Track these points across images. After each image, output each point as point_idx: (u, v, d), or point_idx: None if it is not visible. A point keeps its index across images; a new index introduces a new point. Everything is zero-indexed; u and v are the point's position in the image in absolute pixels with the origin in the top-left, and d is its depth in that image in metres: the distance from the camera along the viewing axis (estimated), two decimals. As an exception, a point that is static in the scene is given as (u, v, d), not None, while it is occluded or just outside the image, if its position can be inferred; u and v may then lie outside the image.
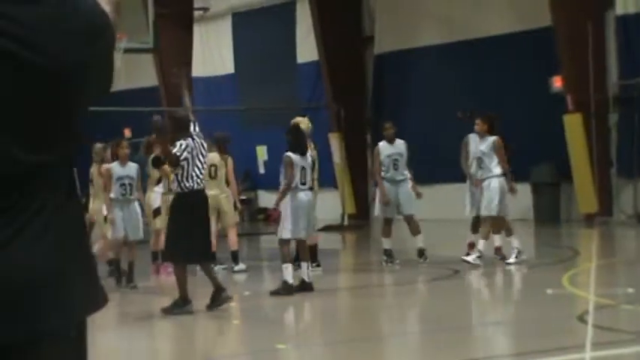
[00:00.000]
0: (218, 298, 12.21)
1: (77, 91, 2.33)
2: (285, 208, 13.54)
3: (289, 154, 13.65)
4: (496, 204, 15.51)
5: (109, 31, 2.39)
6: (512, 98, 23.62)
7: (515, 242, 15.56)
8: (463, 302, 13.65)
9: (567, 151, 22.75)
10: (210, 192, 16.17)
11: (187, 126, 12.36)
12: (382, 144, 16.72)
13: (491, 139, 15.72)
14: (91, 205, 16.39)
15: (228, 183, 16.53)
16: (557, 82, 22.79)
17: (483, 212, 15.65)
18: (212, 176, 16.22)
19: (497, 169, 15.62)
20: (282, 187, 13.72)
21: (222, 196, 16.26)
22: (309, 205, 13.63)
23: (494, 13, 24.81)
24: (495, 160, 15.64)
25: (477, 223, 16.21)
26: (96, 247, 15.78)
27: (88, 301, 2.39)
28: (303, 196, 13.52)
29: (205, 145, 12.63)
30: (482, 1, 25.09)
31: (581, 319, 10.61)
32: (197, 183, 12.20)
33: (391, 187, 16.39)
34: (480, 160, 15.81)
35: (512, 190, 15.61)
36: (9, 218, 2.28)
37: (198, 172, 12.22)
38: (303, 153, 13.70)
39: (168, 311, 12.13)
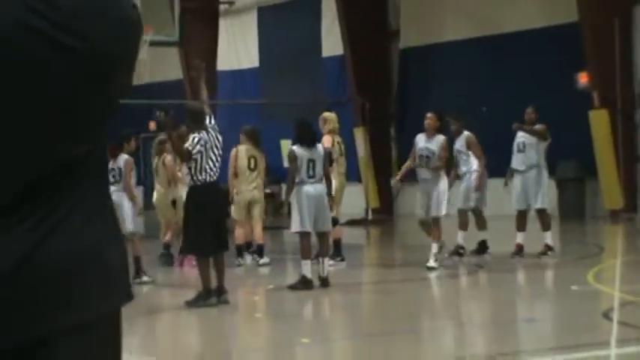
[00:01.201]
0: (208, 298, 12.16)
1: (112, 83, 2.35)
2: (293, 201, 13.57)
3: (293, 147, 13.66)
4: (445, 204, 14.91)
5: (140, 25, 2.42)
6: (537, 94, 23.47)
7: (434, 248, 15.04)
8: (487, 298, 13.62)
9: (593, 147, 22.65)
10: (248, 184, 16.24)
11: (202, 119, 12.35)
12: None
13: (441, 138, 15.00)
14: (155, 196, 16.65)
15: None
16: (583, 78, 22.69)
17: (433, 213, 14.98)
18: (252, 168, 16.27)
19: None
20: (287, 182, 13.72)
21: (257, 188, 16.33)
22: (318, 198, 13.52)
23: (520, 8, 24.72)
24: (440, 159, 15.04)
25: (522, 218, 16.16)
26: (168, 236, 16.05)
27: (125, 291, 2.45)
28: (311, 189, 13.45)
29: (220, 138, 12.58)
30: (509, -5, 25.02)
31: (606, 315, 10.56)
32: (210, 175, 12.19)
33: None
34: (426, 160, 14.96)
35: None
36: (49, 211, 2.30)
37: (211, 165, 12.21)
38: (309, 145, 13.65)
39: (192, 304, 12.15)
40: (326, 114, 16.53)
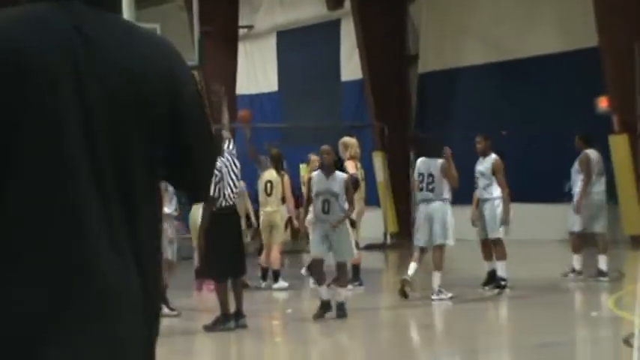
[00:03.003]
0: (226, 322, 12.11)
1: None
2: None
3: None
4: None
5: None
6: (557, 118, 23.46)
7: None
8: (507, 323, 13.56)
9: (613, 172, 22.54)
10: (266, 208, 16.33)
11: (218, 144, 12.37)
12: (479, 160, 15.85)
13: (442, 162, 14.54)
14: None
15: (284, 200, 16.62)
16: (603, 103, 22.60)
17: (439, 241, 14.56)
18: (268, 193, 16.32)
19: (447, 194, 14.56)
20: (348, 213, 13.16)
21: (276, 213, 16.32)
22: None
23: (539, 32, 24.68)
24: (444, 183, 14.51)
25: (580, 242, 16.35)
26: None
27: None
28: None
29: (238, 163, 12.55)
30: (528, 20, 24.98)
31: (627, 342, 10.48)
32: (227, 201, 12.19)
33: (479, 206, 15.59)
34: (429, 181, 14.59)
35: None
36: None
37: (229, 191, 12.21)
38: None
39: (210, 328, 12.12)
40: (346, 139, 16.43)
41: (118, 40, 2.52)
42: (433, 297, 14.35)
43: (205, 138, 2.67)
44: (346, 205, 13.04)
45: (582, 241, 16.48)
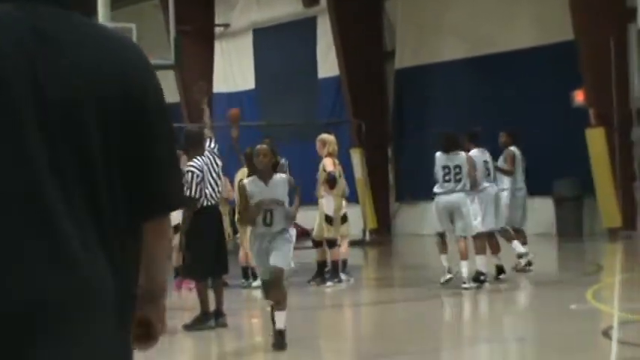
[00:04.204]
0: (206, 321, 12.09)
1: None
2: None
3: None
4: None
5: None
6: (534, 112, 23.55)
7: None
8: (486, 317, 13.59)
9: (590, 165, 22.65)
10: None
11: (199, 142, 12.29)
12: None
13: (465, 154, 14.97)
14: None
15: None
16: (579, 96, 22.70)
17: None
18: None
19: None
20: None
21: None
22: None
23: (516, 27, 24.77)
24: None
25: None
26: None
27: None
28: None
29: (219, 161, 12.50)
30: (504, 15, 25.05)
31: (606, 334, 10.53)
32: (208, 200, 12.13)
33: None
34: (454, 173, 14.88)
35: None
36: None
37: (210, 190, 12.15)
38: None
39: (189, 327, 12.10)
40: (324, 136, 16.42)
41: (79, 39, 2.50)
42: (465, 285, 14.54)
43: (168, 141, 2.64)
44: (292, 208, 10.76)
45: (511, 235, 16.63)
